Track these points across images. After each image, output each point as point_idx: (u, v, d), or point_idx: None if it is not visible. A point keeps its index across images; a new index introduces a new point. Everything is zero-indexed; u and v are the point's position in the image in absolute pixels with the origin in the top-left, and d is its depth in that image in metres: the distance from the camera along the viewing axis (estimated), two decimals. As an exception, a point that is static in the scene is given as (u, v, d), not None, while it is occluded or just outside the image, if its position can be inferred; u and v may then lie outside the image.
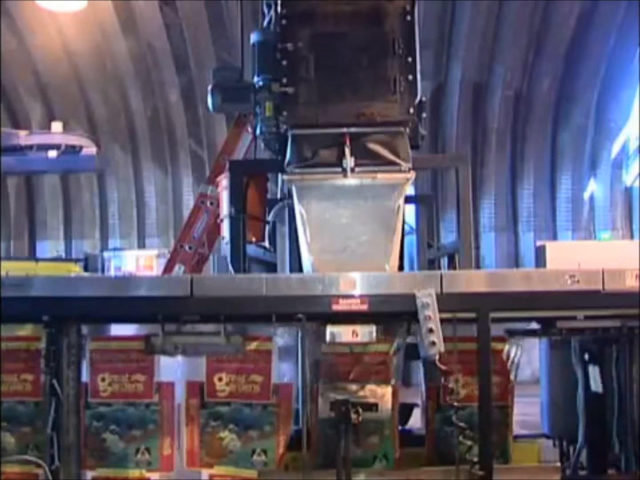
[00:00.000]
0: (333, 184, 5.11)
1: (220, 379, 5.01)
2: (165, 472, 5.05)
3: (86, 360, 5.04)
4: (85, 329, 4.98)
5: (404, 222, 5.48)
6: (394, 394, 4.96)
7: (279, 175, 5.74)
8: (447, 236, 15.51)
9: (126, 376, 5.03)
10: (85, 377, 5.03)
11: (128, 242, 22.53)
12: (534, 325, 5.33)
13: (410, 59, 5.14)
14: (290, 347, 5.20)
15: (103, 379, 5.04)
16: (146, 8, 20.87)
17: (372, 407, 4.76)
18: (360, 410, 4.69)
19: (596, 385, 5.60)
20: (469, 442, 4.64)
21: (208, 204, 10.58)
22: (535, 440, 5.81)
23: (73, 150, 19.98)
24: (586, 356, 5.68)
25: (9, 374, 4.99)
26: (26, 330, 5.01)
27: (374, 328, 4.65)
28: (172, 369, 5.11)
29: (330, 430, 4.78)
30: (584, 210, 20.98)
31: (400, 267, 5.38)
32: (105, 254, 20.82)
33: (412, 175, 5.13)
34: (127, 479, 5.02)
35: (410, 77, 5.12)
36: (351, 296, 4.57)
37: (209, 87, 6.79)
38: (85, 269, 18.29)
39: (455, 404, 4.73)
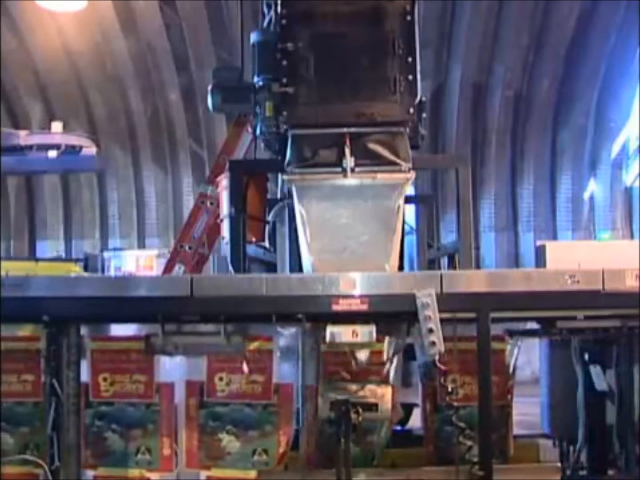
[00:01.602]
0: (333, 184, 5.11)
1: (220, 379, 5.01)
2: (166, 472, 5.05)
3: (87, 360, 5.05)
4: (84, 330, 5.00)
5: (404, 222, 5.48)
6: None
7: (279, 175, 5.74)
8: (447, 236, 15.52)
9: (127, 376, 5.03)
10: (85, 377, 5.03)
11: (128, 242, 22.54)
12: (534, 325, 5.33)
13: (410, 59, 5.13)
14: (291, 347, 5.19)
15: (105, 379, 5.04)
16: (146, 8, 20.88)
17: (372, 407, 4.76)
18: (360, 410, 4.69)
19: (600, 384, 5.60)
20: (468, 442, 4.64)
21: (208, 204, 10.58)
22: (535, 440, 5.82)
23: (73, 150, 20.01)
24: (586, 356, 5.68)
25: (9, 374, 5.00)
26: (26, 330, 5.01)
27: (374, 328, 4.65)
28: (172, 369, 5.12)
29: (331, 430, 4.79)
30: (584, 210, 20.99)
31: (400, 267, 5.37)
32: (105, 254, 20.84)
33: (412, 175, 5.13)
34: (127, 478, 5.02)
35: (410, 77, 5.12)
36: (351, 296, 4.57)
37: (209, 87, 6.79)
38: (85, 269, 18.30)
39: (455, 404, 4.73)
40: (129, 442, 5.01)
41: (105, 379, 5.05)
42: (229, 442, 4.99)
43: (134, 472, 5.03)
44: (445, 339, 4.48)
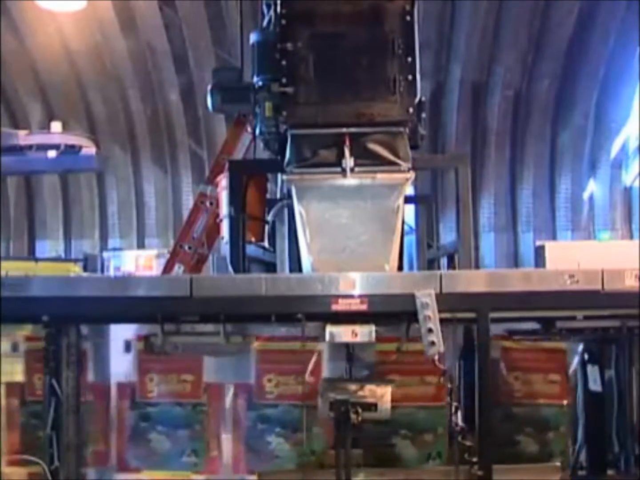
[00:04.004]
0: (333, 184, 5.11)
1: (269, 380, 4.98)
2: (211, 475, 4.98)
3: (134, 360, 5.01)
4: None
5: (403, 222, 5.48)
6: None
7: (279, 175, 5.74)
8: (447, 236, 15.51)
9: (175, 376, 4.99)
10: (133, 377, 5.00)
11: (127, 242, 22.53)
12: (534, 325, 5.33)
13: (409, 59, 5.14)
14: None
15: (151, 379, 5.00)
16: (146, 8, 20.86)
17: (372, 407, 4.76)
18: (359, 410, 4.68)
19: (594, 384, 5.60)
20: (468, 443, 4.64)
21: (208, 203, 10.59)
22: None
23: (72, 150, 20.00)
24: (585, 356, 5.68)
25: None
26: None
27: (373, 328, 4.65)
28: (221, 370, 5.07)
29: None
30: (583, 210, 20.98)
31: (400, 267, 5.38)
32: (105, 254, 20.83)
33: (411, 175, 5.13)
34: None
35: (409, 77, 5.12)
36: (351, 296, 4.57)
37: (209, 87, 6.80)
38: (85, 269, 18.29)
39: (454, 404, 4.74)
40: (175, 444, 4.97)
41: (152, 379, 5.01)
42: (278, 444, 4.96)
43: (179, 474, 4.97)
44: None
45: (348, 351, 5.00)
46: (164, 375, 5.00)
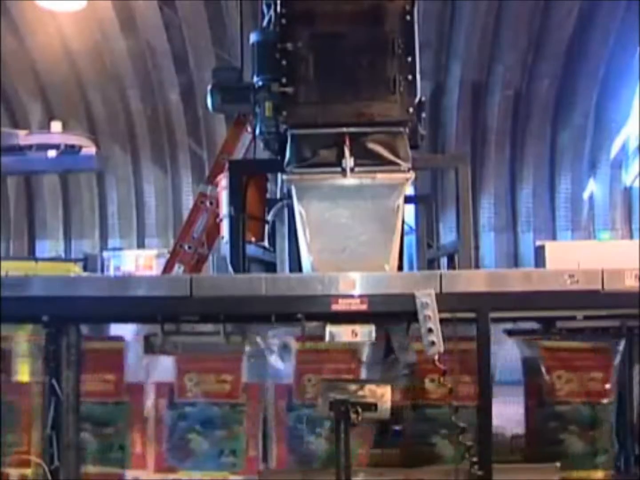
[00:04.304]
0: (332, 183, 5.11)
1: (309, 380, 4.97)
2: (250, 475, 4.93)
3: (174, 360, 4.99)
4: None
5: (403, 222, 5.47)
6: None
7: (279, 175, 5.74)
8: (447, 236, 15.51)
9: (213, 376, 4.97)
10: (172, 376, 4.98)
11: (127, 242, 22.54)
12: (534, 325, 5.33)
13: (409, 59, 5.12)
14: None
15: (190, 379, 4.99)
16: (146, 8, 20.88)
17: (371, 406, 4.76)
18: (359, 409, 4.68)
19: None
20: (468, 442, 4.63)
21: (208, 203, 10.59)
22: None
23: (72, 149, 20.01)
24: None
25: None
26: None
27: (373, 328, 4.65)
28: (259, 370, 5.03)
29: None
30: (583, 210, 20.99)
31: (400, 267, 5.37)
32: (105, 254, 20.85)
33: (411, 175, 5.12)
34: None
35: (409, 76, 5.11)
36: (351, 296, 4.56)
37: (209, 87, 6.80)
38: (85, 268, 18.32)
39: (454, 403, 4.73)
40: (213, 444, 4.93)
41: (191, 379, 5.00)
42: (318, 444, 4.92)
43: (218, 474, 4.93)
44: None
45: (387, 351, 5.00)
46: (203, 375, 4.99)
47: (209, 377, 4.97)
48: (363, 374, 5.04)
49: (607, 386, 5.13)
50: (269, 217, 6.69)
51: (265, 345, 4.97)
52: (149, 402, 5.03)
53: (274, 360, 5.02)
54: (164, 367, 5.02)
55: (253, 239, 6.84)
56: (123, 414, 4.99)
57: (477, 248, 18.50)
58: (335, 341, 4.61)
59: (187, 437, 4.94)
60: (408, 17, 5.17)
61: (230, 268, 6.36)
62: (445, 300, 4.52)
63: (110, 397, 5.00)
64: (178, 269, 10.76)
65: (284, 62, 5.13)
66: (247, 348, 4.98)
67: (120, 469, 4.97)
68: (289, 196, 5.49)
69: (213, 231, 10.34)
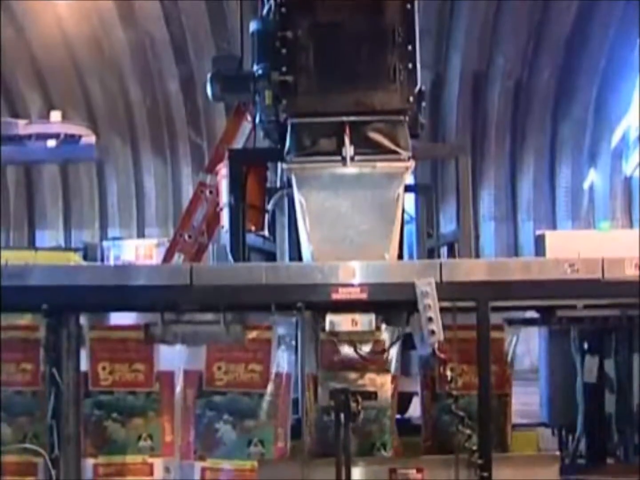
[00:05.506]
0: (333, 173, 5.10)
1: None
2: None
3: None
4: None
5: (403, 211, 5.47)
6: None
7: (279, 164, 5.72)
8: (447, 225, 15.49)
9: (242, 365, 5.01)
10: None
11: (127, 232, 22.52)
12: (534, 314, 5.33)
13: (410, 48, 5.12)
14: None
15: (219, 368, 5.02)
16: (145, -3, 20.85)
17: (372, 395, 4.76)
18: (359, 398, 4.69)
19: (590, 375, 5.61)
20: (467, 431, 4.64)
21: (207, 193, 10.56)
22: (535, 429, 5.83)
23: (72, 139, 19.98)
24: (585, 345, 5.68)
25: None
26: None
27: (373, 317, 4.65)
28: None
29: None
30: (583, 199, 20.98)
31: (400, 256, 5.37)
32: (105, 244, 20.83)
33: (411, 164, 5.12)
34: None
35: (410, 65, 5.10)
36: (350, 285, 4.57)
37: (208, 76, 6.76)
38: (85, 258, 18.29)
39: (454, 392, 4.74)
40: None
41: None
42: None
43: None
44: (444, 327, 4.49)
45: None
46: (232, 364, 5.01)
47: (238, 367, 5.00)
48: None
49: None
50: (269, 207, 6.67)
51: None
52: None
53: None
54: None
55: (253, 228, 6.81)
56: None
57: (477, 237, 18.50)
58: None
59: (215, 426, 4.99)
60: (408, 6, 5.16)
61: (230, 257, 6.35)
62: (445, 290, 4.52)
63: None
64: (178, 258, 10.73)
65: (283, 51, 5.12)
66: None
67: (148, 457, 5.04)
68: (289, 185, 5.48)
69: (213, 220, 10.31)
